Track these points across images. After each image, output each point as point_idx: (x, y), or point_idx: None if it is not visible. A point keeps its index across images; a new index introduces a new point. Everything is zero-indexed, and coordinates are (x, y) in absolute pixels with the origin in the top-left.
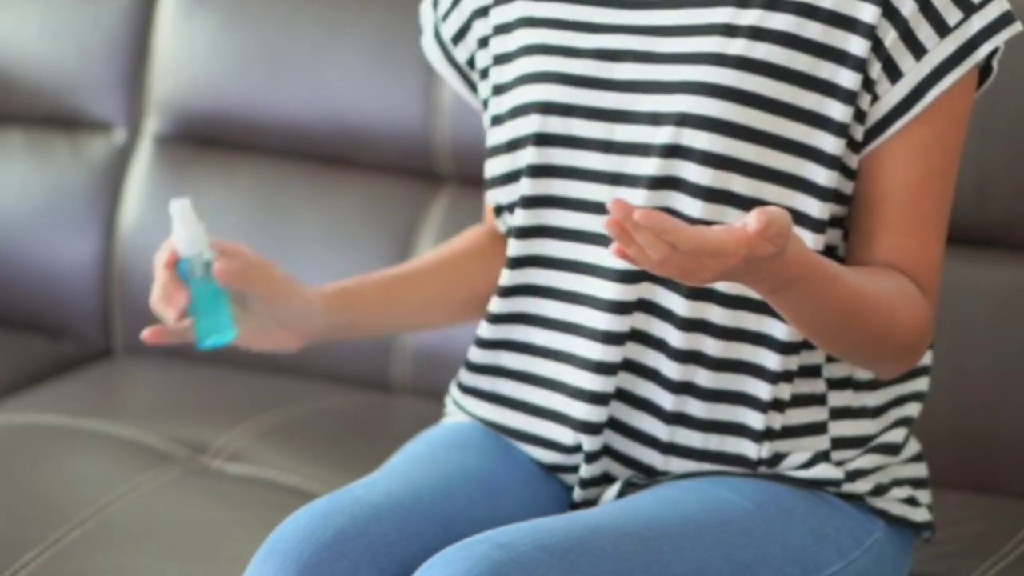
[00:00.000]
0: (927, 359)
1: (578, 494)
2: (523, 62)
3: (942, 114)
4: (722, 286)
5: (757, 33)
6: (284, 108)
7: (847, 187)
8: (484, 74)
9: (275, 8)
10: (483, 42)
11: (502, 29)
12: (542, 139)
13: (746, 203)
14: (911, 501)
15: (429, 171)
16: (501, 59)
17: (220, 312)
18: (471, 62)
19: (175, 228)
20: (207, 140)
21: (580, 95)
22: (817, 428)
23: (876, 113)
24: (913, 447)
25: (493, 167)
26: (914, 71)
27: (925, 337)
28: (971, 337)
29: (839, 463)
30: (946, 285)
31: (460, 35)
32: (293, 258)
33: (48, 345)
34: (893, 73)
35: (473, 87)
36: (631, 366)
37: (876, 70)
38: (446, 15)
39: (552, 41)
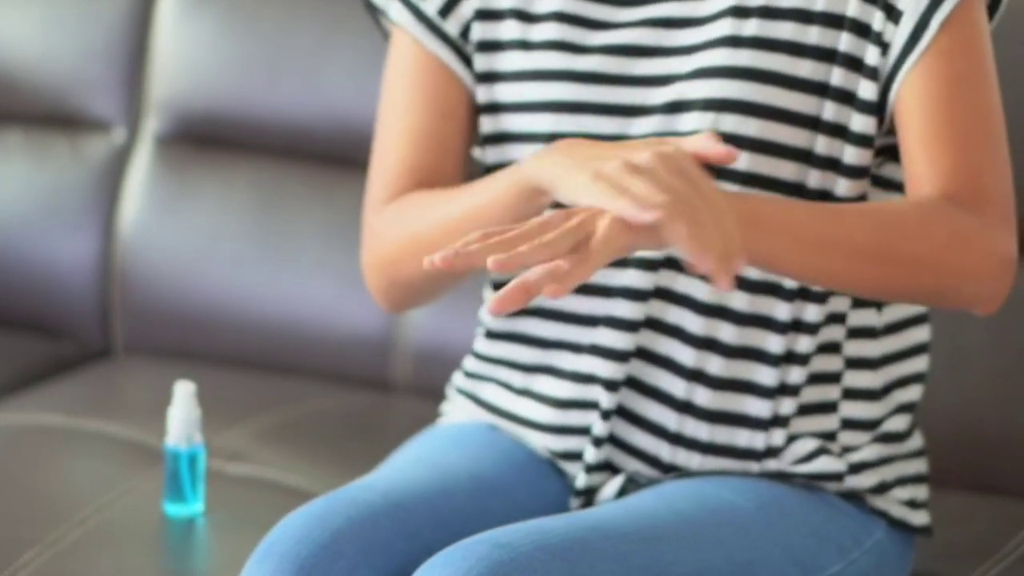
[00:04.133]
0: (924, 335)
1: (582, 480)
2: (525, 57)
3: (954, 33)
4: (747, 271)
5: (768, 12)
6: (284, 108)
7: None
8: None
9: (274, 8)
10: (483, 14)
11: (489, 15)
12: (556, 139)
13: (776, 185)
14: (911, 504)
15: None
16: (489, 46)
17: (191, 489)
18: (465, 34)
19: (174, 407)
20: (207, 140)
21: (592, 92)
22: (828, 407)
23: (888, 62)
24: (917, 441)
25: (497, 156)
26: (912, 5)
27: (974, 238)
28: (971, 337)
29: (844, 451)
30: None
31: (448, 7)
32: (293, 258)
33: (47, 345)
34: (893, 15)
35: (466, 61)
36: (644, 354)
37: (880, 21)
38: None
39: (562, 37)
